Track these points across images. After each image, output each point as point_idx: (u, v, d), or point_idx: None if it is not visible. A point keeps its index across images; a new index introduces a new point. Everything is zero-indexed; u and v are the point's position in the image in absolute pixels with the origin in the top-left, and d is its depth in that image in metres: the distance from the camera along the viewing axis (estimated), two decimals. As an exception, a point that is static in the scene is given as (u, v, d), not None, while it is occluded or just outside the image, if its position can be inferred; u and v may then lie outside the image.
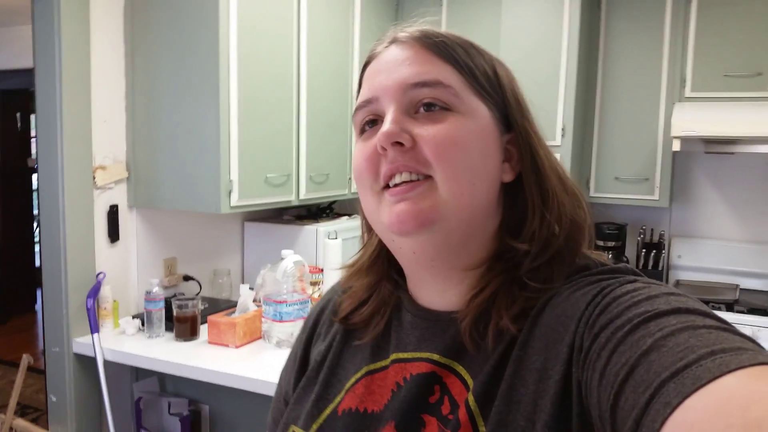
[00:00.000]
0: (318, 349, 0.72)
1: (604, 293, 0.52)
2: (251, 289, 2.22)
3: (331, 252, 2.30)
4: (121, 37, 2.22)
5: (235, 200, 2.15)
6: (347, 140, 2.84)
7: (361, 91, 0.64)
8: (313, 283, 2.36)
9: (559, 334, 0.53)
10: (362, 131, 0.63)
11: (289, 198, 2.47)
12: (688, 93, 2.81)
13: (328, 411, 0.65)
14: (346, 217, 3.02)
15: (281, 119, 2.38)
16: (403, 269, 0.68)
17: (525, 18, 2.82)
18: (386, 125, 0.58)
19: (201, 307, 2.12)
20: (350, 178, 2.87)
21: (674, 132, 2.63)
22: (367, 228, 0.72)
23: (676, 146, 2.67)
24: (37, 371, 3.82)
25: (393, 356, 0.64)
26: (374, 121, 0.62)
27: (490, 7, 2.90)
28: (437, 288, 0.64)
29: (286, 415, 0.69)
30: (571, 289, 0.56)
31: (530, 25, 2.82)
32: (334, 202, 3.02)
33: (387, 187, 0.59)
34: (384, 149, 0.58)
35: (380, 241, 0.69)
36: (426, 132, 0.58)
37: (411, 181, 0.58)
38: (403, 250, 0.62)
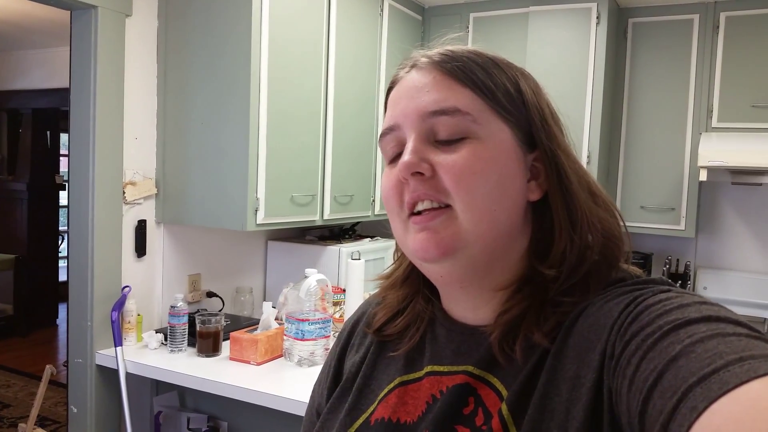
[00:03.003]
0: (352, 360, 0.73)
1: (637, 302, 0.52)
2: (274, 307, 2.23)
3: (354, 273, 2.31)
4: (154, 57, 2.28)
5: (261, 218, 2.18)
6: (372, 162, 2.87)
7: (385, 116, 0.65)
8: (335, 303, 2.37)
9: (591, 343, 0.53)
10: (391, 159, 0.64)
11: (314, 218, 2.49)
12: (714, 123, 2.80)
13: (360, 420, 0.66)
14: (368, 239, 3.04)
15: (308, 140, 2.41)
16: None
17: (551, 45, 2.84)
18: (405, 155, 0.59)
19: (224, 323, 2.13)
20: (373, 200, 2.89)
21: (701, 162, 2.62)
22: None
23: (703, 176, 2.65)
24: (56, 384, 3.85)
25: (428, 368, 0.65)
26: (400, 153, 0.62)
27: (516, 32, 2.93)
28: (469, 305, 0.64)
29: (319, 425, 0.69)
30: (604, 299, 0.56)
31: (556, 51, 2.84)
32: (357, 223, 3.04)
33: (412, 213, 0.60)
34: (405, 179, 0.59)
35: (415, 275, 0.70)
36: (445, 161, 0.59)
37: (432, 209, 0.59)
38: (431, 273, 0.64)
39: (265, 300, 2.80)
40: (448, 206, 0.59)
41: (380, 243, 3.00)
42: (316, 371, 1.97)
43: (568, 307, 0.58)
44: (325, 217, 2.55)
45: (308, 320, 1.97)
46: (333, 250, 2.71)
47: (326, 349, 2.05)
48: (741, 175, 2.84)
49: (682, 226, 2.88)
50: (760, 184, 2.91)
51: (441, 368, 0.64)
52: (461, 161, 0.58)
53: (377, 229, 3.26)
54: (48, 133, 5.60)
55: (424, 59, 0.63)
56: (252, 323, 2.30)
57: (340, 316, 2.38)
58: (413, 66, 0.64)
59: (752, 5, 2.72)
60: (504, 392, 0.58)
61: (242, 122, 2.11)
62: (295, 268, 2.76)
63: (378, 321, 0.71)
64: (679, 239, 3.09)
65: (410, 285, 0.71)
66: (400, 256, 0.72)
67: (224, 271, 2.61)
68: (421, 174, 0.58)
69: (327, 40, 2.46)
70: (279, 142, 2.23)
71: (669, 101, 2.89)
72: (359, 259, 2.34)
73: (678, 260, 3.11)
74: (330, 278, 2.60)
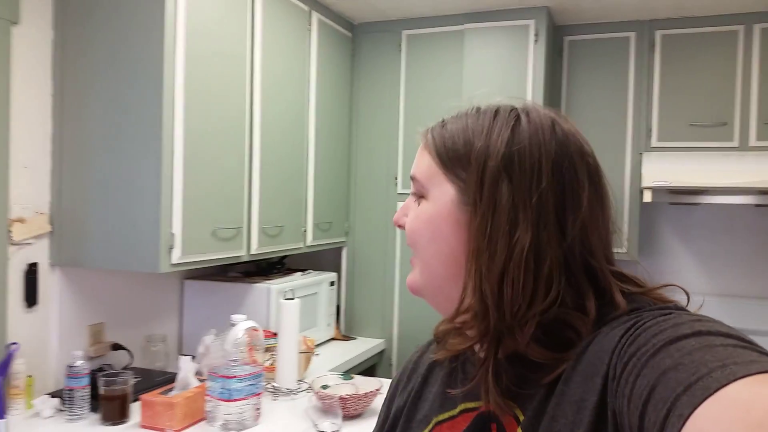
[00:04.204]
0: (397, 405, 0.79)
1: (636, 326, 0.54)
2: (193, 358, 1.93)
3: (288, 314, 2.04)
4: (49, 73, 1.95)
5: (176, 257, 1.88)
6: (303, 188, 2.62)
7: None
8: (267, 349, 2.09)
9: (596, 368, 0.55)
10: None
11: (240, 253, 2.21)
12: (654, 143, 2.75)
13: None
14: (299, 273, 2.77)
15: (231, 165, 2.14)
16: None
17: (488, 64, 2.71)
18: (398, 210, 0.74)
19: (132, 382, 1.81)
20: (305, 230, 2.64)
21: (645, 182, 2.54)
22: None
23: (648, 197, 2.57)
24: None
25: (461, 406, 0.68)
26: None
27: (452, 50, 2.79)
28: None
29: None
30: (611, 326, 0.58)
31: (494, 70, 2.71)
32: (285, 256, 2.77)
33: None
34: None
35: None
36: (407, 219, 0.71)
37: (413, 254, 0.71)
38: None
39: (181, 349, 2.48)
40: None
41: (312, 277, 2.74)
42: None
43: (539, 364, 0.60)
44: (253, 251, 2.27)
45: (236, 377, 1.69)
46: (261, 288, 2.43)
47: (257, 410, 1.77)
48: (680, 195, 2.79)
49: (624, 250, 2.79)
50: (698, 204, 2.88)
51: (473, 405, 0.67)
52: (409, 221, 0.70)
53: (309, 260, 3.00)
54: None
55: (431, 126, 0.72)
56: (167, 379, 1.98)
57: (272, 364, 2.10)
58: None
59: (687, 24, 2.70)
60: (520, 416, 0.61)
61: (153, 147, 1.82)
62: (216, 310, 2.46)
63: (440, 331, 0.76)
64: (622, 263, 2.99)
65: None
66: None
67: (132, 318, 2.27)
68: (402, 226, 0.72)
69: (251, 54, 2.22)
70: (198, 169, 1.95)
71: (608, 121, 2.81)
72: (293, 298, 2.07)
73: (620, 284, 3.02)
74: (258, 320, 2.31)
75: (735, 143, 2.60)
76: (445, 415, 0.70)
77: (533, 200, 0.60)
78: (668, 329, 0.50)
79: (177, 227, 1.88)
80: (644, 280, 0.66)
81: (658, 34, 2.74)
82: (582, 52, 2.86)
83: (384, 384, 1.90)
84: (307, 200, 2.66)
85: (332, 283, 2.87)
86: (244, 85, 2.18)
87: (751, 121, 2.58)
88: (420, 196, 0.69)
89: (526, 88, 2.64)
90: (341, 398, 1.75)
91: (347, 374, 2.00)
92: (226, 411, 1.70)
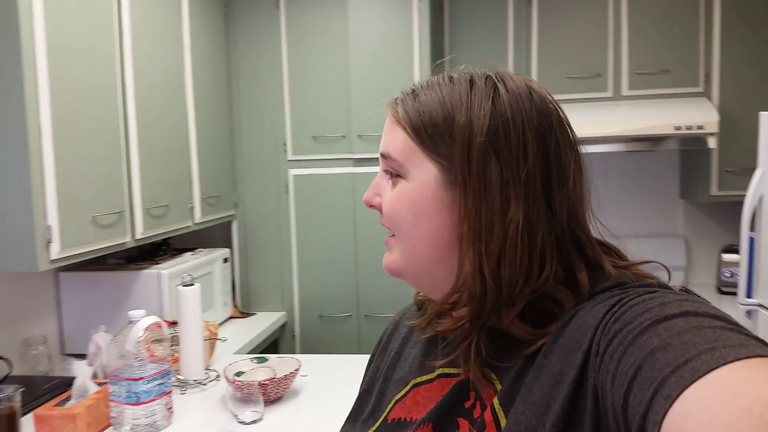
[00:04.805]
0: (377, 364, 0.80)
1: (621, 303, 0.53)
2: (83, 358, 1.74)
3: (188, 302, 1.89)
4: None
5: (56, 252, 1.66)
6: (187, 161, 2.43)
7: None
8: (171, 338, 1.92)
9: (578, 342, 0.55)
10: None
11: (124, 239, 2.00)
12: (534, 96, 2.83)
13: (380, 420, 0.71)
14: (189, 253, 2.59)
15: (107, 145, 1.91)
16: None
17: (373, 22, 2.63)
18: (368, 190, 0.70)
19: (19, 397, 1.59)
20: (192, 207, 2.45)
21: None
22: None
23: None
24: None
25: (439, 371, 0.69)
26: None
27: (335, 12, 2.67)
28: None
29: (347, 426, 0.77)
30: (594, 302, 0.57)
31: (379, 29, 2.63)
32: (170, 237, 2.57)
33: None
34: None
35: None
36: (383, 198, 0.67)
37: (389, 234, 0.69)
38: None
39: (64, 350, 2.24)
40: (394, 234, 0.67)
41: (204, 255, 2.57)
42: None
43: (524, 334, 0.60)
44: (138, 236, 2.07)
45: (142, 378, 1.54)
46: (150, 274, 2.23)
47: (169, 409, 1.63)
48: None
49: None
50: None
51: (452, 370, 0.67)
52: (387, 201, 0.66)
53: (196, 238, 2.82)
54: None
55: (399, 98, 0.67)
56: (54, 386, 1.78)
57: (176, 355, 1.95)
58: None
59: (561, -23, 2.77)
60: (498, 386, 0.61)
61: (18, 132, 1.57)
62: (100, 303, 2.23)
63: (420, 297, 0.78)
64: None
65: None
66: None
67: (4, 322, 2.01)
68: (373, 206, 0.69)
69: (119, 21, 1.97)
70: (70, 151, 1.72)
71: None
72: (192, 284, 1.92)
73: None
74: (151, 310, 2.14)
75: (609, 93, 2.75)
76: (423, 378, 0.70)
77: (522, 176, 0.59)
78: (655, 308, 0.50)
79: (53, 218, 1.65)
80: (624, 253, 0.66)
81: (535, -12, 2.79)
82: (462, 8, 2.86)
83: (301, 362, 1.83)
84: (192, 175, 2.47)
85: (226, 260, 2.72)
86: (113, 55, 1.94)
87: (623, 71, 2.72)
88: (396, 175, 0.65)
89: (413, 46, 2.60)
90: (261, 384, 1.66)
91: (260, 357, 1.90)
92: (135, 415, 1.55)
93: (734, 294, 2.61)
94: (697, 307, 0.48)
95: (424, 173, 0.63)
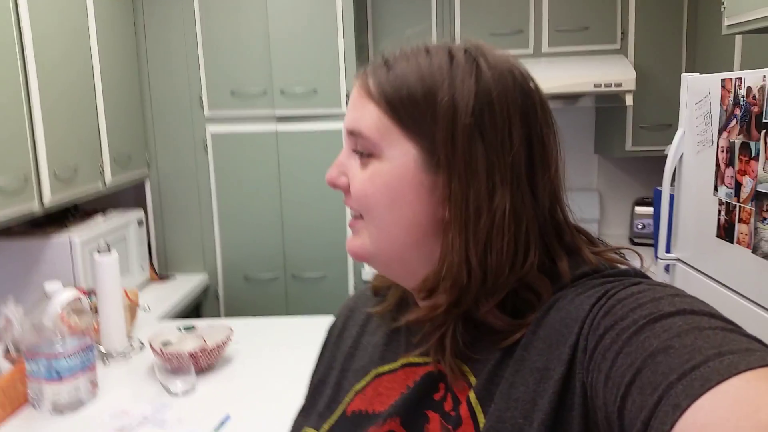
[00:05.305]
0: (332, 353, 0.75)
1: (608, 295, 0.51)
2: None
3: (105, 271, 1.78)
4: None
5: (-47, 223, 1.51)
6: (94, 117, 2.25)
7: None
8: (91, 309, 1.81)
9: (562, 336, 0.52)
10: None
11: (31, 206, 1.84)
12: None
13: (338, 412, 0.67)
14: (100, 216, 2.43)
15: (6, 104, 1.73)
16: None
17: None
18: (330, 168, 0.63)
19: None
20: (102, 168, 2.29)
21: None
22: None
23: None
24: None
25: (403, 360, 0.65)
26: None
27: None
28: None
29: (300, 419, 0.73)
30: (575, 292, 0.55)
31: (301, 8, 2.53)
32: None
33: None
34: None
35: None
36: (352, 178, 0.61)
37: (354, 216, 0.63)
38: None
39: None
40: (362, 216, 0.62)
41: (117, 219, 2.43)
42: (91, 414, 1.49)
43: (497, 332, 0.58)
44: (47, 202, 1.91)
45: (62, 355, 1.45)
46: (61, 242, 2.08)
47: (93, 383, 1.55)
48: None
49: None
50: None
51: (416, 359, 0.64)
52: (358, 183, 0.60)
53: (106, 199, 2.65)
54: None
55: (367, 68, 0.62)
56: (-39, 364, 1.65)
57: (96, 323, 1.84)
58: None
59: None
60: (472, 379, 0.58)
61: None
62: (6, 272, 2.08)
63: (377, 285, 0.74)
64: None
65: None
66: None
67: None
68: (337, 186, 0.63)
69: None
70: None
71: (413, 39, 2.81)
72: (109, 251, 1.81)
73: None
74: (64, 279, 2.02)
75: (530, 50, 2.77)
76: (386, 368, 0.67)
77: (508, 160, 0.56)
78: (647, 303, 0.48)
79: (-52, 185, 1.49)
80: (594, 237, 0.65)
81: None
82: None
83: (232, 329, 1.78)
84: (101, 132, 2.30)
85: (140, 222, 2.58)
86: (6, 3, 1.75)
87: (543, 28, 2.75)
88: (368, 154, 0.59)
89: (336, 22, 2.53)
90: (191, 355, 1.60)
91: (189, 326, 1.83)
92: (56, 392, 1.46)
93: (646, 245, 2.77)
94: (691, 304, 0.47)
95: (402, 154, 0.58)
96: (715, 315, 0.46)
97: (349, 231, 0.66)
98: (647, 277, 0.56)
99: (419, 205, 0.58)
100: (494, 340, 0.58)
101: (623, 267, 0.58)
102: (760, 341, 0.43)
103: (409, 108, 0.57)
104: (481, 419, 0.55)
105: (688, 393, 0.39)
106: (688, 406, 0.38)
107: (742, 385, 0.38)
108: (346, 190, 0.62)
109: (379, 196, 0.59)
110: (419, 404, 0.61)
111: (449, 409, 0.58)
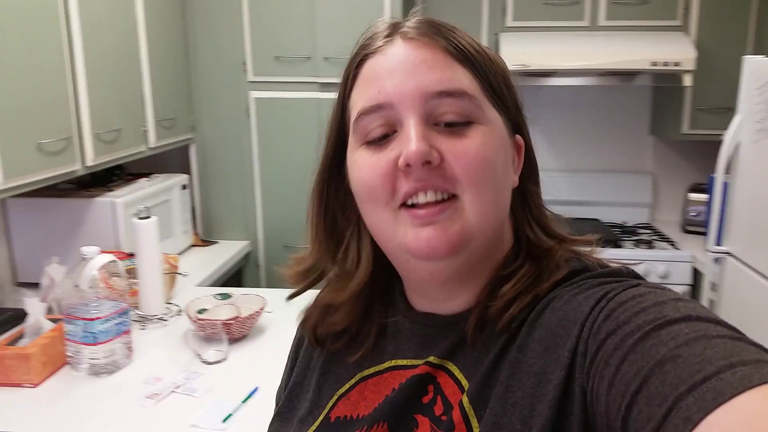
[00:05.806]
0: (309, 354, 0.70)
1: (608, 297, 0.50)
2: (36, 288, 1.66)
3: (145, 236, 1.80)
4: None
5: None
6: (139, 81, 2.26)
7: (364, 91, 0.58)
8: (128, 272, 1.84)
9: (560, 338, 0.51)
10: (373, 140, 0.57)
11: (74, 167, 1.87)
12: (509, 22, 2.71)
13: (320, 418, 0.63)
14: (144, 180, 2.46)
15: (50, 65, 1.75)
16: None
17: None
18: (414, 142, 0.53)
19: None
20: (146, 131, 2.31)
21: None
22: (354, 234, 0.66)
23: (508, 80, 2.57)
24: None
25: (390, 363, 0.63)
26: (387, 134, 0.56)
27: None
28: (442, 297, 0.62)
29: (278, 425, 0.68)
30: (571, 292, 0.54)
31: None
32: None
33: (405, 204, 0.55)
34: (408, 166, 0.53)
35: (375, 259, 0.64)
36: (455, 147, 0.54)
37: (437, 201, 0.54)
38: (418, 270, 0.59)
39: (16, 279, 2.14)
40: (453, 197, 0.55)
41: (161, 182, 2.46)
42: (125, 378, 1.52)
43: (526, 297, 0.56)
44: (89, 163, 1.94)
45: (99, 318, 1.47)
46: (104, 202, 2.12)
47: (129, 347, 1.58)
48: (532, 78, 2.84)
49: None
50: (546, 86, 2.95)
51: (404, 362, 0.62)
52: (474, 148, 0.54)
53: (152, 163, 2.68)
54: None
55: (412, 29, 0.57)
56: (7, 319, 1.70)
57: (134, 288, 1.88)
58: (398, 35, 0.57)
59: None
60: (464, 382, 0.56)
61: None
62: (52, 230, 2.12)
63: (321, 335, 0.68)
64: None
65: (365, 299, 0.66)
66: (353, 262, 0.65)
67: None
68: (429, 162, 0.53)
69: None
70: (7, 72, 1.56)
71: (462, 2, 2.71)
72: (149, 217, 1.83)
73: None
74: (105, 240, 2.06)
75: (586, 22, 2.64)
76: (371, 370, 0.64)
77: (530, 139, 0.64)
78: (651, 308, 0.46)
79: (-7, 146, 1.52)
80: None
81: None
82: None
83: (266, 299, 1.78)
84: (145, 95, 2.31)
85: (184, 187, 2.61)
86: (54, -42, 1.74)
87: (601, 0, 2.62)
88: (465, 121, 0.55)
89: None
90: (224, 324, 1.61)
91: (224, 294, 1.84)
92: (93, 355, 1.49)
93: (698, 234, 2.66)
94: (694, 309, 0.46)
95: (495, 117, 0.58)
96: (720, 322, 0.45)
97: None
98: (641, 277, 0.55)
99: (511, 171, 0.61)
100: (490, 339, 0.57)
101: (615, 266, 0.58)
102: (765, 349, 0.42)
103: (492, 77, 0.58)
104: (475, 424, 0.53)
105: (700, 406, 0.37)
106: (701, 419, 0.37)
107: (758, 400, 0.36)
108: (438, 164, 0.53)
109: (495, 161, 0.56)
110: (407, 407, 0.58)
111: (440, 413, 0.56)
